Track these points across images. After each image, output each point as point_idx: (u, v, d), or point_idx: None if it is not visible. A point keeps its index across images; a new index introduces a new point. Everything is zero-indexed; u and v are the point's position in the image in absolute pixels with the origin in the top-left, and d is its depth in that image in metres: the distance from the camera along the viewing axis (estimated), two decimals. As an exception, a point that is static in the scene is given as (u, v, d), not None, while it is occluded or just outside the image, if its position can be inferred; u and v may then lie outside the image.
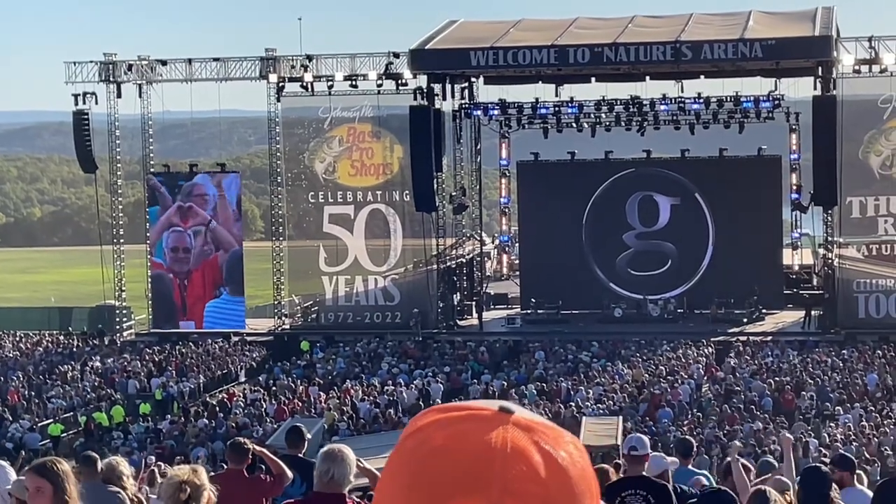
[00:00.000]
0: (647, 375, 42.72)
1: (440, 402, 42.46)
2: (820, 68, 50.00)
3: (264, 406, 41.59)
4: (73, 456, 34.59)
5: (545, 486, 1.62)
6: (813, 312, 51.54)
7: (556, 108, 55.19)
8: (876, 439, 34.10)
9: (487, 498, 1.59)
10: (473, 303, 56.22)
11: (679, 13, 55.35)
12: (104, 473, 9.59)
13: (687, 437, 20.20)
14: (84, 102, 54.62)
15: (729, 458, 12.59)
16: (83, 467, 10.69)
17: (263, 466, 11.19)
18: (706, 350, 46.75)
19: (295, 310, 56.60)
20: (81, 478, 10.59)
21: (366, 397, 41.72)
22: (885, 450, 32.64)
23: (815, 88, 50.49)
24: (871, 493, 12.42)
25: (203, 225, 54.74)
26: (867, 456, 31.51)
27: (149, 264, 55.47)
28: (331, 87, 53.62)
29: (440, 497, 1.61)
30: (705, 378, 42.89)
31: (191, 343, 51.96)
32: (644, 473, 10.15)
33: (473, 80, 56.53)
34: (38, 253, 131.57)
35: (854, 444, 33.03)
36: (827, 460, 13.73)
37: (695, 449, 15.79)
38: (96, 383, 46.14)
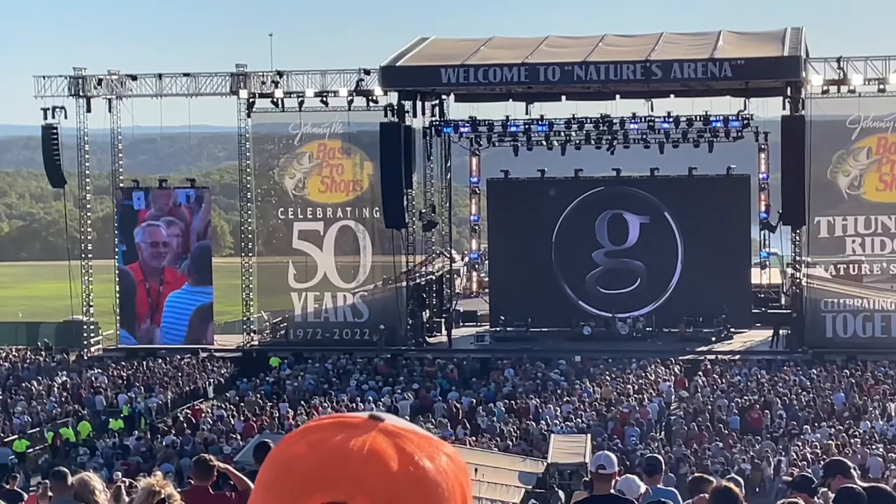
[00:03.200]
0: (615, 393, 42.79)
1: (408, 418, 42.47)
2: (789, 88, 50.28)
3: (232, 422, 41.46)
4: (38, 471, 34.45)
5: (395, 484, 1.68)
6: (781, 331, 51.72)
7: (527, 126, 55.23)
8: (848, 458, 34.15)
9: (339, 495, 1.66)
10: (443, 320, 56.17)
11: (649, 32, 55.56)
12: (76, 489, 9.51)
13: (654, 455, 20.23)
14: (53, 116, 54.34)
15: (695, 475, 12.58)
16: (53, 482, 10.62)
17: (230, 483, 11.16)
18: (674, 368, 46.82)
19: (264, 326, 56.43)
20: (52, 493, 10.54)
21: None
22: (854, 469, 32.65)
23: (784, 108, 50.78)
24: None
25: (174, 229, 54.59)
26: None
27: (116, 270, 55.26)
28: (301, 103, 53.62)
29: (295, 494, 1.68)
30: (674, 397, 42.99)
31: (158, 359, 51.70)
32: (612, 492, 10.13)
33: (444, 97, 56.59)
34: (6, 268, 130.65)
35: (821, 463, 33.09)
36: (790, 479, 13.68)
37: (662, 467, 15.79)
38: (63, 398, 45.88)
